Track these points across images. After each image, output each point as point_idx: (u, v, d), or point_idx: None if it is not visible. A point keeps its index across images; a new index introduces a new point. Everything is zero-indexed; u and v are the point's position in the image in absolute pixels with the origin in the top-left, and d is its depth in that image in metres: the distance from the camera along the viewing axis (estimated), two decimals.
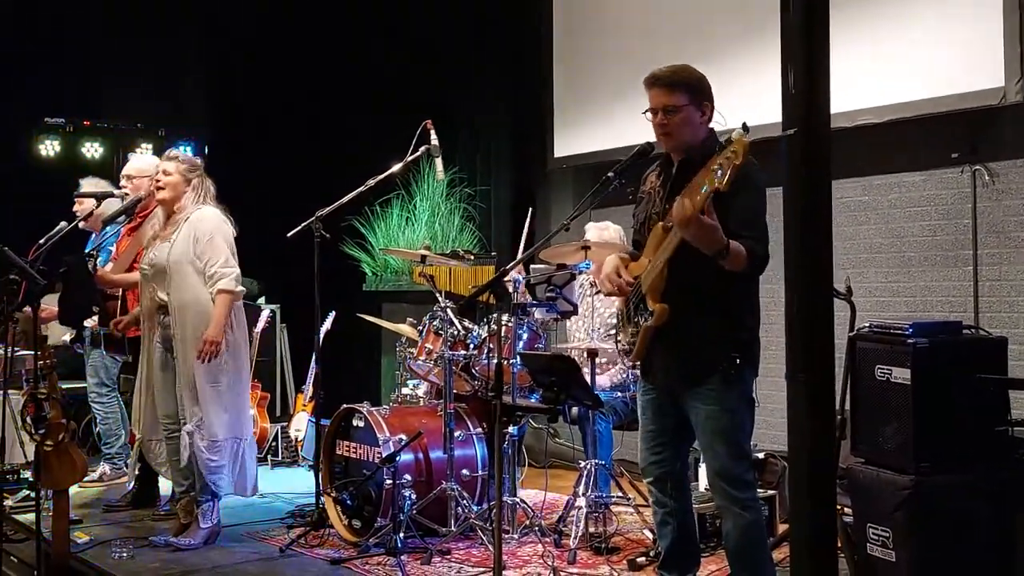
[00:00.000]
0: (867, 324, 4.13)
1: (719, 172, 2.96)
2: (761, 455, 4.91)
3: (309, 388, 6.99)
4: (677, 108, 3.36)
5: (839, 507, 3.85)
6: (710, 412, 3.36)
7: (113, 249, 5.71)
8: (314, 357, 6.54)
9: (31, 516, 4.56)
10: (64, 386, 5.33)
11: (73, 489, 4.72)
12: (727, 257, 3.16)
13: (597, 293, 5.30)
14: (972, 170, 5.10)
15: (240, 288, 4.81)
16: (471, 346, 5.01)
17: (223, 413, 4.81)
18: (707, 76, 3.45)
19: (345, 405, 5.15)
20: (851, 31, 5.22)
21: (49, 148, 8.22)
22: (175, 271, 4.78)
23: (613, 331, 5.36)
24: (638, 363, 3.60)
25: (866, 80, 5.29)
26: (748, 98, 4.26)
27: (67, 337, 6.44)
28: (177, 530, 4.94)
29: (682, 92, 3.37)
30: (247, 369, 5.06)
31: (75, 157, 8.27)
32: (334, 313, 6.90)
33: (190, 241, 4.77)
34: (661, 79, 3.39)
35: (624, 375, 5.26)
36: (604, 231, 5.42)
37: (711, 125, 3.44)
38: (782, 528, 4.63)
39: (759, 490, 3.90)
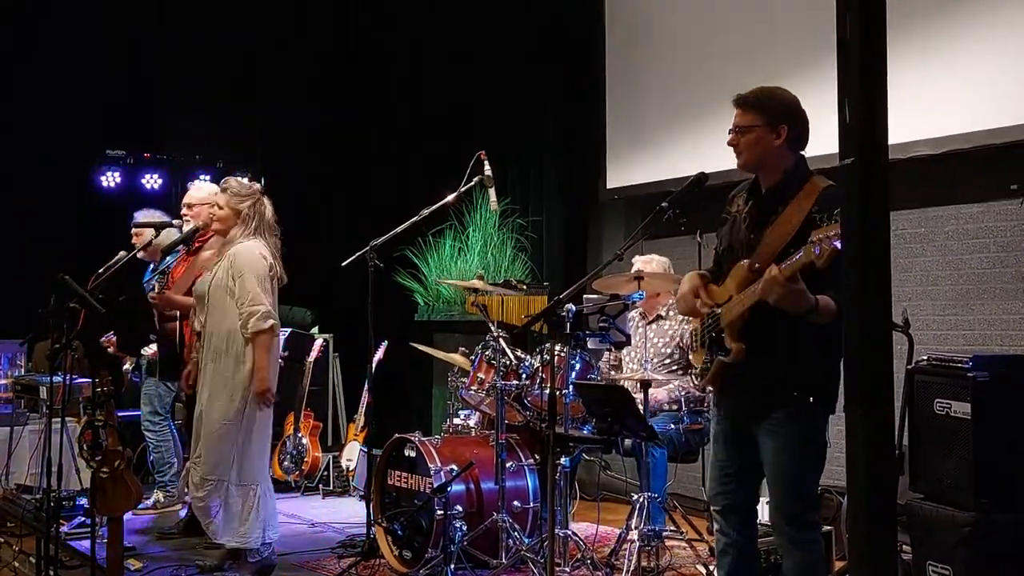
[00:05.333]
0: (925, 357, 4.06)
1: (816, 249, 2.93)
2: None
3: (361, 417, 7.02)
4: (747, 128, 3.34)
5: (898, 544, 3.77)
6: (778, 449, 3.29)
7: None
8: (366, 386, 6.58)
9: (86, 543, 4.61)
10: (121, 414, 5.40)
11: (126, 516, 4.77)
12: (815, 315, 3.12)
13: (649, 324, 5.26)
14: None
15: (271, 322, 4.71)
16: (523, 376, 5.00)
17: (224, 452, 4.68)
18: None
19: (397, 435, 5.15)
20: (907, 61, 5.17)
21: (110, 179, 8.40)
22: (214, 300, 4.85)
23: (667, 360, 5.39)
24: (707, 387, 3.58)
25: (921, 111, 5.23)
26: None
27: (127, 366, 6.53)
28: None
29: (755, 113, 3.33)
30: (269, 413, 4.84)
31: (135, 188, 8.43)
32: (386, 342, 6.94)
33: (229, 273, 4.84)
34: (738, 98, 3.39)
35: (681, 392, 5.20)
36: (649, 264, 5.40)
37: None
38: (838, 565, 4.55)
39: None
